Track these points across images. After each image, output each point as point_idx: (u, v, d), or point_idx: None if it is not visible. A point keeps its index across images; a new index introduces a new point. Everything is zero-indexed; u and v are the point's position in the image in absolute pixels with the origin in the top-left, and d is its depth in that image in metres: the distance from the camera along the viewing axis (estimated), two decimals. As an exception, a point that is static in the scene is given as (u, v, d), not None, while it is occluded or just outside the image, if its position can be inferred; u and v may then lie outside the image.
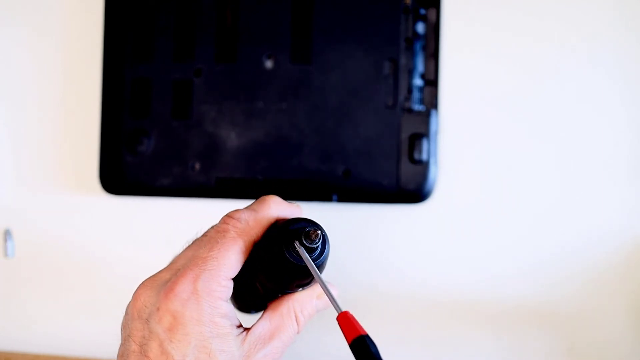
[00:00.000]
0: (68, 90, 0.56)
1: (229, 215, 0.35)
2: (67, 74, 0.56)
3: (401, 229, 0.52)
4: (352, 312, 0.52)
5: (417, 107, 0.51)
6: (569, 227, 0.51)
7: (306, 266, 0.33)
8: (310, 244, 0.33)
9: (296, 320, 0.36)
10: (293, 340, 0.36)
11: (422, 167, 0.50)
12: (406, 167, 0.50)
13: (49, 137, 0.56)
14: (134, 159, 0.52)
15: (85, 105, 0.56)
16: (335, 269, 0.53)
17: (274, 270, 0.34)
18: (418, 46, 0.51)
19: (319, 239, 0.33)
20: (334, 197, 0.51)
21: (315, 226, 0.34)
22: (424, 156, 0.50)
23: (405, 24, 0.51)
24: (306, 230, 0.33)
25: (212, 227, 0.35)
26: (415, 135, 0.50)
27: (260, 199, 0.37)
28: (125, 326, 0.34)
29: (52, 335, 0.56)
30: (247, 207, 0.36)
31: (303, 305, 0.36)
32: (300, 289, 0.36)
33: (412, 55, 0.51)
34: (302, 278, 0.35)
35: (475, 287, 0.52)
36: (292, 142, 0.51)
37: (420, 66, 0.51)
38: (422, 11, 0.51)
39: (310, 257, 0.33)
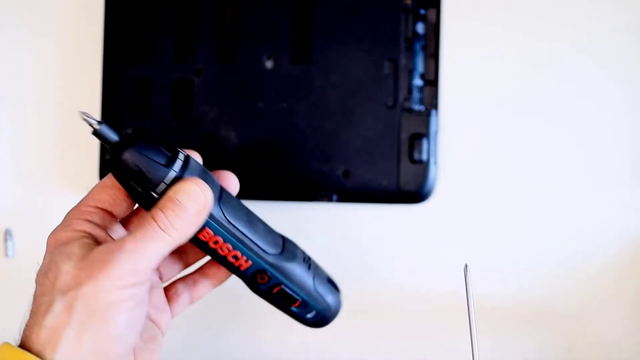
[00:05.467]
0: (68, 90, 0.56)
1: None
2: (67, 74, 0.56)
3: (401, 229, 0.52)
4: (351, 312, 0.53)
5: (417, 107, 0.51)
6: (569, 227, 0.51)
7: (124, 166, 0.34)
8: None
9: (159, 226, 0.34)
10: (164, 248, 0.34)
11: (422, 167, 0.50)
12: (406, 167, 0.50)
13: (50, 137, 0.56)
14: (134, 159, 0.52)
15: (85, 106, 0.56)
16: (336, 269, 0.53)
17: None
18: (418, 46, 0.51)
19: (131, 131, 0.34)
20: (334, 197, 0.51)
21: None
22: (424, 156, 0.50)
23: (405, 24, 0.51)
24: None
25: None
26: (415, 135, 0.50)
27: None
28: None
29: (52, 335, 0.56)
30: None
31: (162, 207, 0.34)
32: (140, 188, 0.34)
33: (412, 55, 0.51)
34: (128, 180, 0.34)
35: (475, 286, 0.52)
36: (292, 142, 0.51)
37: (420, 66, 0.51)
38: (422, 11, 0.51)
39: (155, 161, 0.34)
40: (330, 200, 0.51)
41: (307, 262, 0.42)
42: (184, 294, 0.41)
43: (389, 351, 0.53)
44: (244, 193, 0.52)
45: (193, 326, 0.54)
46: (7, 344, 0.32)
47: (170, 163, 0.34)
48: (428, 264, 0.52)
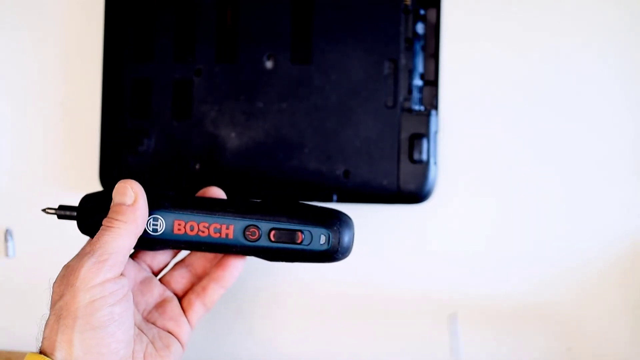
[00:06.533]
0: (69, 90, 0.56)
1: None
2: (67, 74, 0.56)
3: (401, 229, 0.52)
4: (350, 312, 0.53)
5: (417, 107, 0.51)
6: (569, 227, 0.51)
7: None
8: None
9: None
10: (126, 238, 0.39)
11: (422, 167, 0.50)
12: (406, 167, 0.50)
13: (50, 137, 0.56)
14: (134, 159, 0.53)
15: (85, 106, 0.56)
16: (335, 269, 0.53)
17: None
18: (418, 46, 0.51)
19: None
20: (334, 197, 0.51)
21: None
22: (424, 156, 0.50)
23: (405, 24, 0.51)
24: None
25: None
26: (415, 135, 0.50)
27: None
28: None
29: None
30: None
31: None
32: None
33: (412, 55, 0.51)
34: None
35: (475, 287, 0.52)
36: (292, 142, 0.51)
37: (420, 66, 0.51)
38: (422, 11, 0.51)
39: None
40: (330, 200, 0.51)
41: (286, 202, 0.42)
42: (196, 303, 0.45)
43: (388, 351, 0.53)
44: (244, 193, 0.52)
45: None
46: (31, 353, 0.37)
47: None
48: (428, 264, 0.52)
